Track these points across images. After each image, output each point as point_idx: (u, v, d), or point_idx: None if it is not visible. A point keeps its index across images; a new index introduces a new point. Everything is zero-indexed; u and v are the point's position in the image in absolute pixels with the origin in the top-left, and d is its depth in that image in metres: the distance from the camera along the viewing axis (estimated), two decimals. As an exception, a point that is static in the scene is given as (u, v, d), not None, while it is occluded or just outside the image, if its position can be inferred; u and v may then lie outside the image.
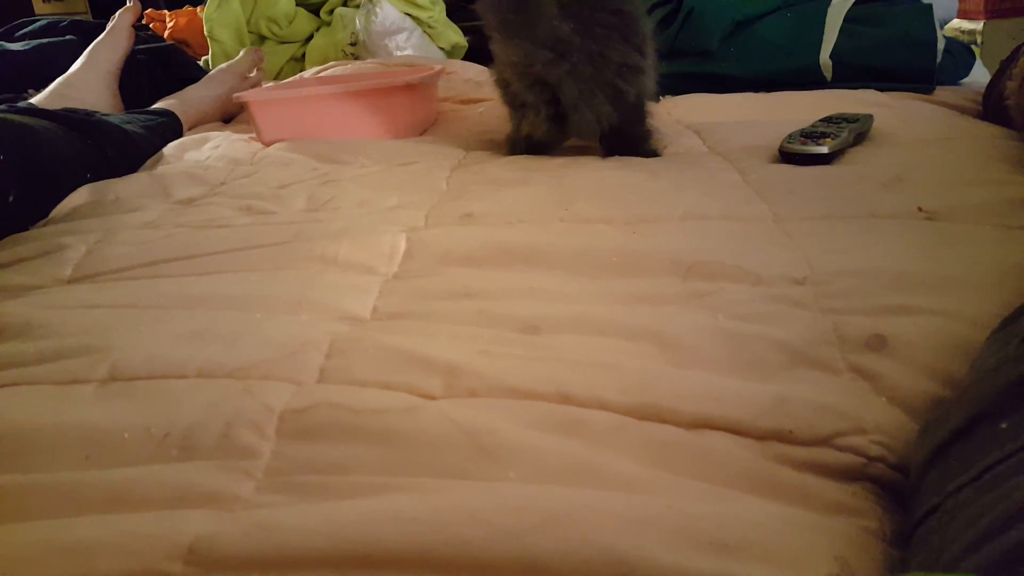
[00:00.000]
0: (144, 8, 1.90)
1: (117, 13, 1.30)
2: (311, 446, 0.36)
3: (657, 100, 1.07)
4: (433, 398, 0.39)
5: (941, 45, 0.98)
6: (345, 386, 0.40)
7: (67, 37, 1.43)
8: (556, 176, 0.75)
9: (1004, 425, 0.29)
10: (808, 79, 1.00)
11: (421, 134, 1.05)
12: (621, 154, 0.78)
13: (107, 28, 1.29)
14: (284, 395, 0.39)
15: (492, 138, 0.95)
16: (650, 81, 0.77)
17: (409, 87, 0.99)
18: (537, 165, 0.81)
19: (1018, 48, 0.86)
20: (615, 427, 0.37)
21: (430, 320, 0.48)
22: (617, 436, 0.36)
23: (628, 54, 0.74)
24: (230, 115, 1.28)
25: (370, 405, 0.37)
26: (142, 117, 1.12)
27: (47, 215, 0.79)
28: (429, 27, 1.41)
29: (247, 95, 1.01)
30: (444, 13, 1.47)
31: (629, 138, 0.77)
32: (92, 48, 1.26)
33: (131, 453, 0.36)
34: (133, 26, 1.31)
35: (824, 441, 0.36)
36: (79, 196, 0.83)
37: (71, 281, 0.60)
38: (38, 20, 1.53)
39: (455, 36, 1.46)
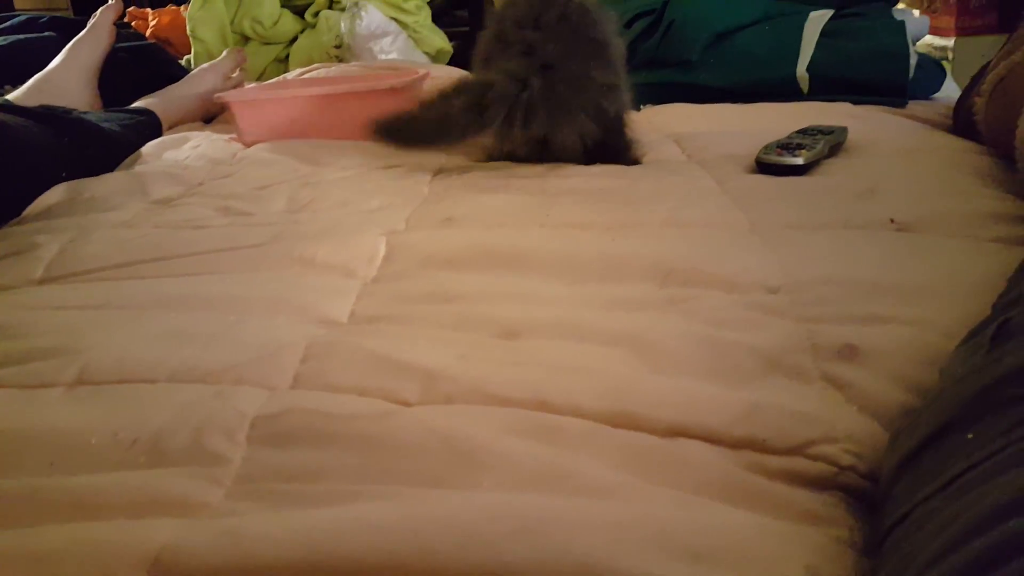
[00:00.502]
0: (127, 6, 1.88)
1: (99, 11, 1.29)
2: (283, 452, 0.36)
3: (638, 109, 1.08)
4: (409, 404, 0.39)
5: (913, 60, 1.00)
6: (319, 391, 0.40)
7: (47, 34, 1.41)
8: (537, 183, 0.75)
9: (971, 435, 0.29)
10: (785, 91, 1.01)
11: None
12: (603, 163, 0.79)
13: (88, 25, 1.27)
14: (257, 400, 0.39)
15: (475, 144, 0.95)
16: (626, 96, 0.79)
17: (393, 91, 0.99)
18: (518, 172, 0.81)
19: (986, 66, 0.88)
20: (590, 433, 0.37)
21: (408, 324, 0.48)
22: (592, 443, 0.37)
23: (607, 75, 0.76)
24: (211, 115, 1.27)
25: (344, 411, 0.37)
26: (121, 115, 1.10)
27: (20, 213, 0.78)
28: (414, 31, 1.41)
29: (228, 95, 1.00)
30: (429, 18, 1.47)
31: (611, 150, 0.79)
32: (72, 45, 1.24)
33: (98, 459, 0.35)
34: (115, 24, 1.29)
35: (797, 450, 0.37)
36: (54, 194, 0.82)
37: (43, 281, 0.59)
38: (18, 15, 1.51)
39: (440, 41, 1.46)
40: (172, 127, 1.19)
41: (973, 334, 0.38)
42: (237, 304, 0.51)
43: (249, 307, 0.50)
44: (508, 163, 0.85)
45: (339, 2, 1.38)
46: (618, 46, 0.81)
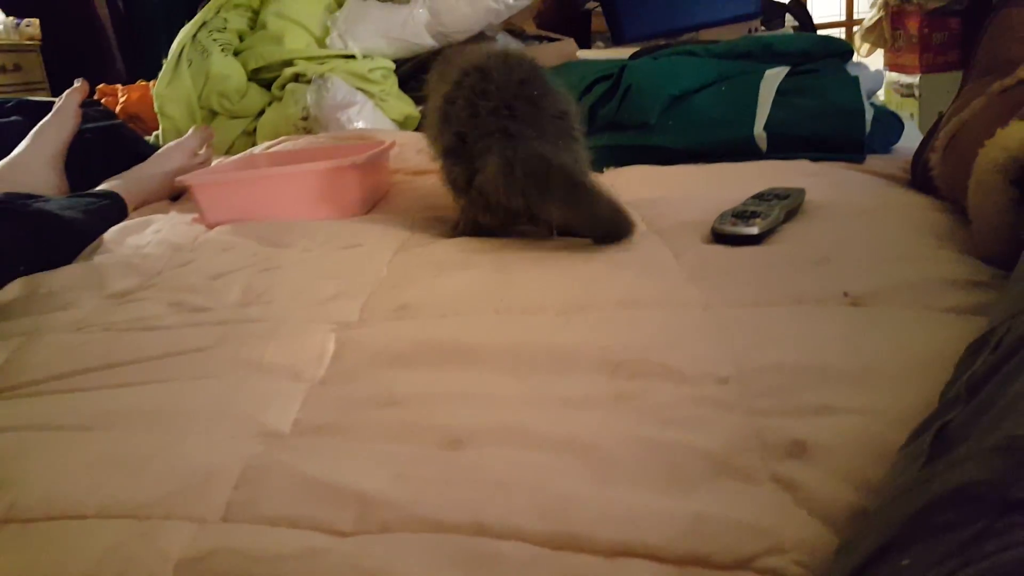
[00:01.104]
0: (98, 83, 1.90)
1: (65, 93, 1.29)
2: (208, 598, 0.34)
3: (600, 172, 1.09)
4: (344, 534, 0.38)
5: (869, 115, 1.01)
6: (250, 524, 0.39)
7: (13, 118, 1.41)
8: (496, 259, 0.75)
9: (906, 562, 0.28)
10: (744, 150, 1.02)
11: (371, 209, 1.05)
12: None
13: (54, 108, 1.28)
14: (183, 538, 0.37)
15: (440, 214, 0.95)
16: (586, 164, 0.79)
17: (355, 166, 0.99)
18: (479, 246, 0.81)
19: (938, 120, 0.89)
20: (530, 561, 0.36)
21: (349, 435, 0.46)
22: (532, 573, 0.35)
23: (571, 149, 0.77)
24: (179, 192, 1.27)
25: (270, 551, 0.35)
26: (84, 201, 1.10)
27: (-24, 313, 0.76)
28: (380, 99, 1.43)
29: (188, 178, 1.00)
30: (396, 85, 1.49)
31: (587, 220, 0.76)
32: (38, 130, 1.24)
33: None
34: (81, 105, 1.30)
35: (743, 564, 0.36)
36: (10, 291, 0.81)
37: (-13, 395, 0.58)
38: (-9, 98, 1.51)
39: (407, 107, 1.47)
40: (139, 207, 1.19)
41: (917, 433, 0.37)
42: (179, 418, 0.50)
43: (190, 421, 0.49)
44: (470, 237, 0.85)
45: (305, 75, 1.39)
46: (575, 115, 0.81)
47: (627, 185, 0.99)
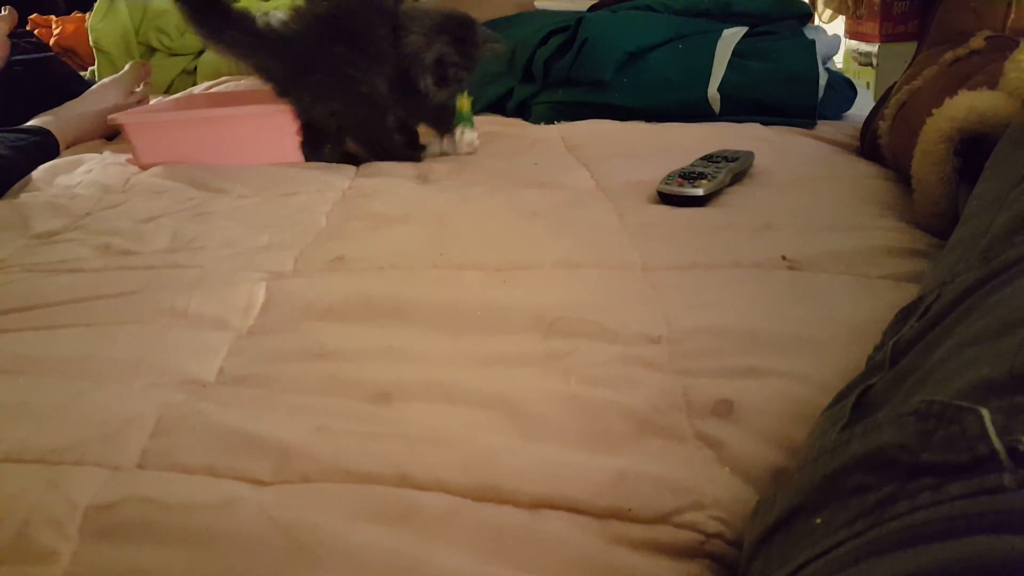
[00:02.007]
0: (29, 12, 1.79)
1: None
2: (115, 548, 0.33)
3: (551, 122, 1.07)
4: (263, 483, 0.37)
5: (823, 81, 1.01)
6: (166, 472, 0.37)
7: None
8: (438, 213, 0.73)
9: (819, 520, 0.28)
10: (697, 111, 1.01)
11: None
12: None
13: None
14: (93, 485, 0.36)
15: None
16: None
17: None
18: (421, 199, 0.79)
19: (890, 89, 0.89)
20: (451, 512, 0.35)
21: (275, 386, 0.45)
22: (452, 523, 0.35)
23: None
24: (114, 132, 1.22)
25: (183, 500, 0.34)
26: (12, 136, 1.04)
27: None
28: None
29: (122, 116, 0.95)
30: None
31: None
32: (-42, 60, 1.17)
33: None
34: (11, 35, 1.22)
35: (663, 519, 0.36)
36: (-74, 228, 0.76)
37: None
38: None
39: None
40: (71, 146, 1.14)
41: (841, 396, 0.37)
42: (94, 364, 0.48)
43: (107, 368, 0.47)
44: (411, 189, 0.83)
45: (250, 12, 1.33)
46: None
47: (578, 141, 0.98)
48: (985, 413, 0.25)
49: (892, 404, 0.32)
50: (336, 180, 0.87)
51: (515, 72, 1.16)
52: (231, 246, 0.67)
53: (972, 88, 0.66)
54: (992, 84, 0.65)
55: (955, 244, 0.46)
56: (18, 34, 1.27)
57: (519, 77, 1.15)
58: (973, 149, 0.61)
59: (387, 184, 0.85)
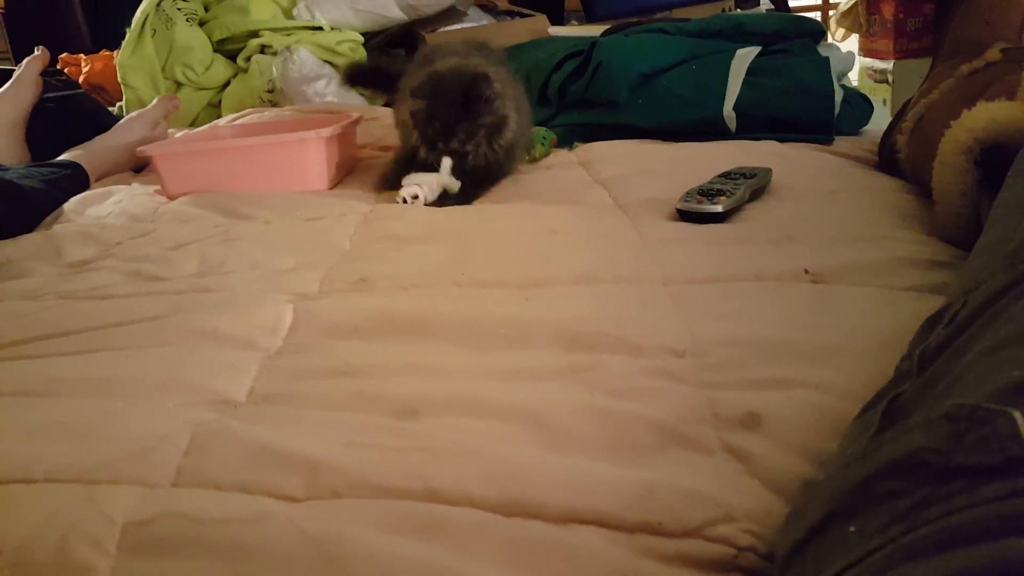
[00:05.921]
0: (60, 52, 1.85)
1: (25, 61, 1.26)
2: (151, 563, 0.34)
3: (570, 147, 1.08)
4: (294, 500, 0.37)
5: (839, 97, 1.01)
6: (200, 489, 0.38)
7: (-28, 88, 1.37)
8: (459, 233, 0.74)
9: (852, 528, 0.28)
10: (713, 130, 1.02)
11: (338, 183, 1.03)
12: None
13: (13, 77, 1.25)
14: (130, 502, 0.37)
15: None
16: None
17: (319, 139, 0.97)
18: (442, 220, 0.80)
19: (907, 103, 0.89)
20: (480, 525, 0.36)
21: (303, 404, 0.46)
22: (481, 536, 0.35)
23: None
24: (142, 164, 1.24)
25: (217, 515, 0.35)
26: (44, 171, 1.07)
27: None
28: (350, 73, 1.40)
29: (149, 148, 0.98)
30: (365, 59, 1.47)
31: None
32: (-5, 99, 1.21)
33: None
34: (43, 73, 1.26)
35: (694, 532, 0.36)
36: (-35, 259, 0.79)
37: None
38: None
39: (376, 81, 1.44)
40: (101, 178, 1.16)
41: (870, 405, 0.37)
42: (127, 385, 0.49)
43: (139, 388, 0.48)
44: (431, 210, 0.84)
45: (271, 46, 1.36)
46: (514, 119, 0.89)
47: (596, 162, 0.99)
48: (1017, 415, 0.25)
49: (922, 410, 0.32)
50: (358, 204, 0.88)
51: (530, 96, 1.18)
52: (258, 269, 0.68)
53: (990, 99, 0.66)
54: (1010, 95, 0.65)
55: (979, 251, 0.46)
56: (49, 72, 1.32)
57: (534, 101, 1.17)
58: (993, 160, 0.61)
59: (407, 207, 0.87)
